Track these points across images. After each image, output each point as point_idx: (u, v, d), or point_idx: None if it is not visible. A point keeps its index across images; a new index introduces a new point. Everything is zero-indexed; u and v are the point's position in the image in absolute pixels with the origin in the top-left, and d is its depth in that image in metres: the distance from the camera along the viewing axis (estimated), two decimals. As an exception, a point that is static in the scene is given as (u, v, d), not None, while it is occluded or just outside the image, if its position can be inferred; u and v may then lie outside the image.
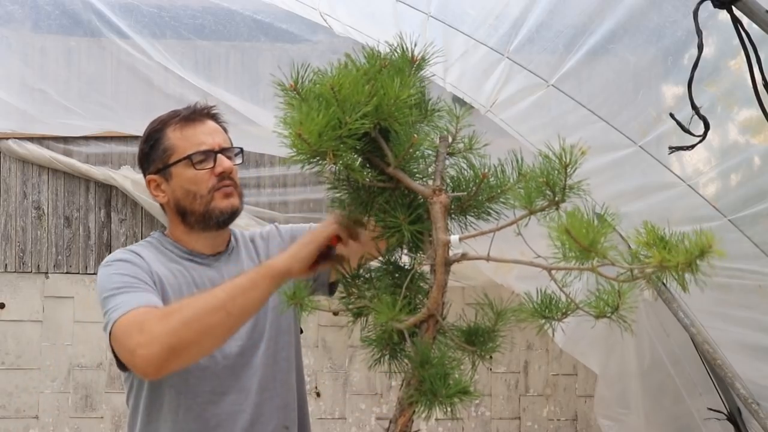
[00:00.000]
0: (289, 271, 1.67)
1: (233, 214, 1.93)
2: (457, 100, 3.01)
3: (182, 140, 1.91)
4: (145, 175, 1.99)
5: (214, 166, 1.89)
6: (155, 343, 1.63)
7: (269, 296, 1.69)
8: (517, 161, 1.35)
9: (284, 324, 2.00)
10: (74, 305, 4.05)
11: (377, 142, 1.42)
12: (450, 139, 1.44)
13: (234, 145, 1.98)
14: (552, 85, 2.66)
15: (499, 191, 1.38)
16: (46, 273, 4.05)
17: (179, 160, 1.90)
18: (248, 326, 1.91)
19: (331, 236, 1.69)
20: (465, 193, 1.42)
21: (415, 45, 1.42)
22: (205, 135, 1.91)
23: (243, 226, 2.89)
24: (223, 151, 1.92)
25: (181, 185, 1.90)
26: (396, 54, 1.42)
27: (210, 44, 3.63)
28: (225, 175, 1.90)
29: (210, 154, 1.89)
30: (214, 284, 1.88)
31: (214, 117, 1.98)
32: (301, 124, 1.31)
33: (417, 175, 1.45)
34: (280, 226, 2.12)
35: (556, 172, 1.22)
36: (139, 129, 3.88)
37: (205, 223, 1.92)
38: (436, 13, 2.75)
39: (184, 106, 2.00)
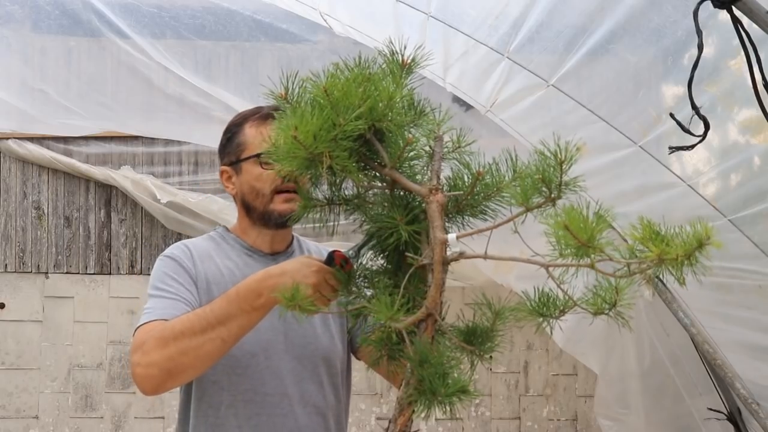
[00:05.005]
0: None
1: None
2: (457, 100, 3.01)
3: (257, 137, 1.94)
4: (221, 165, 2.03)
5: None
6: (153, 367, 1.72)
7: (262, 318, 1.76)
8: (512, 159, 1.35)
9: (340, 349, 2.01)
10: (74, 305, 4.05)
11: (372, 144, 1.42)
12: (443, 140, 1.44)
13: None
14: (552, 85, 2.66)
15: (495, 189, 1.38)
16: (46, 273, 4.05)
17: (250, 157, 1.94)
18: (295, 332, 1.93)
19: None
20: (461, 192, 1.42)
21: (405, 47, 1.42)
22: None
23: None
24: None
25: (247, 181, 1.95)
26: (387, 57, 1.42)
27: (210, 44, 3.64)
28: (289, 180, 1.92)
29: None
30: None
31: None
32: (296, 128, 1.31)
33: (413, 176, 1.45)
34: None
35: (552, 168, 1.22)
36: (139, 129, 3.95)
37: (264, 221, 1.96)
38: (436, 13, 2.75)
39: (256, 106, 2.03)
